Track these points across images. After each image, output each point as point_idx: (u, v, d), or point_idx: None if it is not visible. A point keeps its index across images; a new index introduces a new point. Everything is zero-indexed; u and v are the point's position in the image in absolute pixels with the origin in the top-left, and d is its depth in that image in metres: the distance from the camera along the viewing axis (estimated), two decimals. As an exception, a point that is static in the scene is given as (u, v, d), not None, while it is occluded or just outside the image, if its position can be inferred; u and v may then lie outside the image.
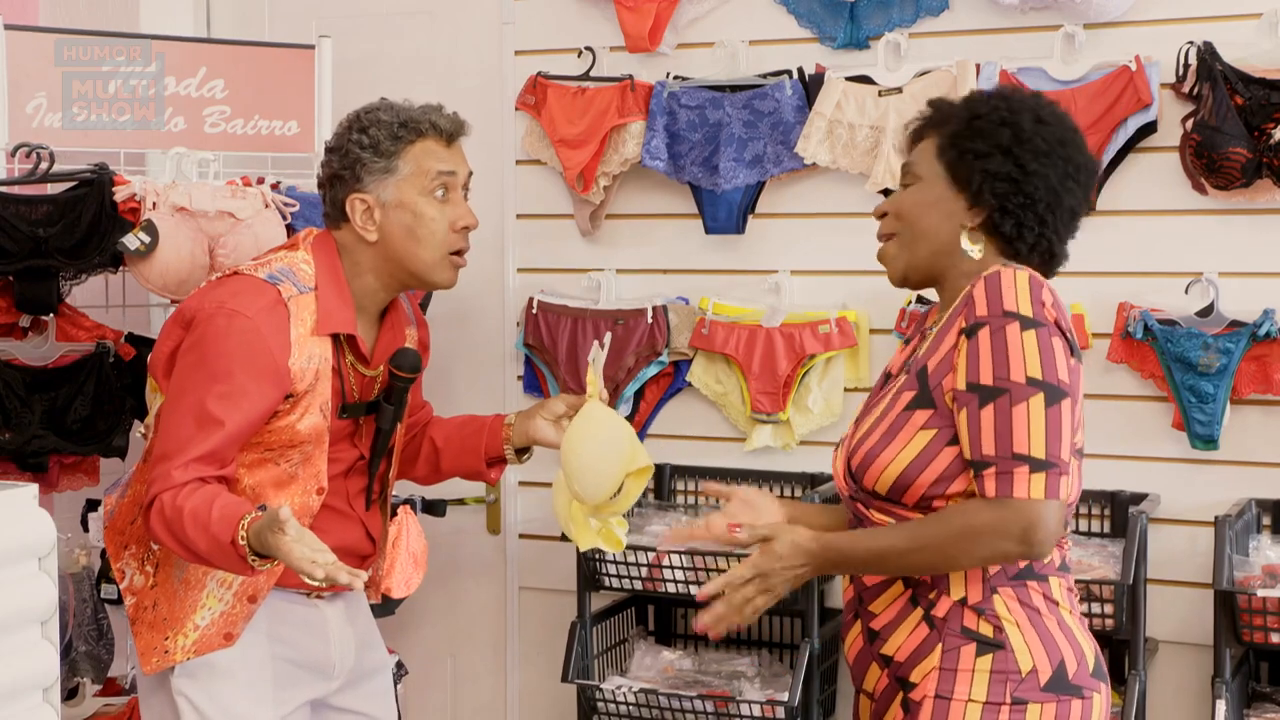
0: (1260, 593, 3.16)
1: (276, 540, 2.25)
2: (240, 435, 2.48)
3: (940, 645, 2.15)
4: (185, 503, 2.40)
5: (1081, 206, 2.27)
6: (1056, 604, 2.18)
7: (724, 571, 3.47)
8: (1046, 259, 2.26)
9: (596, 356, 2.66)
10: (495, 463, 2.88)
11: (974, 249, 2.24)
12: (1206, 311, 3.42)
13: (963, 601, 2.17)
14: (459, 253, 2.66)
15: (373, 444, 2.71)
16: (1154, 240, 3.51)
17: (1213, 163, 3.32)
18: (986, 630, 2.15)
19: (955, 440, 2.13)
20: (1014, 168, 2.20)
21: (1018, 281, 2.13)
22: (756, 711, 3.47)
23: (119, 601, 3.29)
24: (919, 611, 2.19)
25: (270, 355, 2.48)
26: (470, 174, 2.71)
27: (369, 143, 2.58)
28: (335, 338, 2.59)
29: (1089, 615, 3.23)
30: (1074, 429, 2.16)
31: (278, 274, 2.55)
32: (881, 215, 2.35)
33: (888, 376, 2.35)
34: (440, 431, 2.94)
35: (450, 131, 2.65)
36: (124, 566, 2.65)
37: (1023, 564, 2.18)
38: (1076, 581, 3.22)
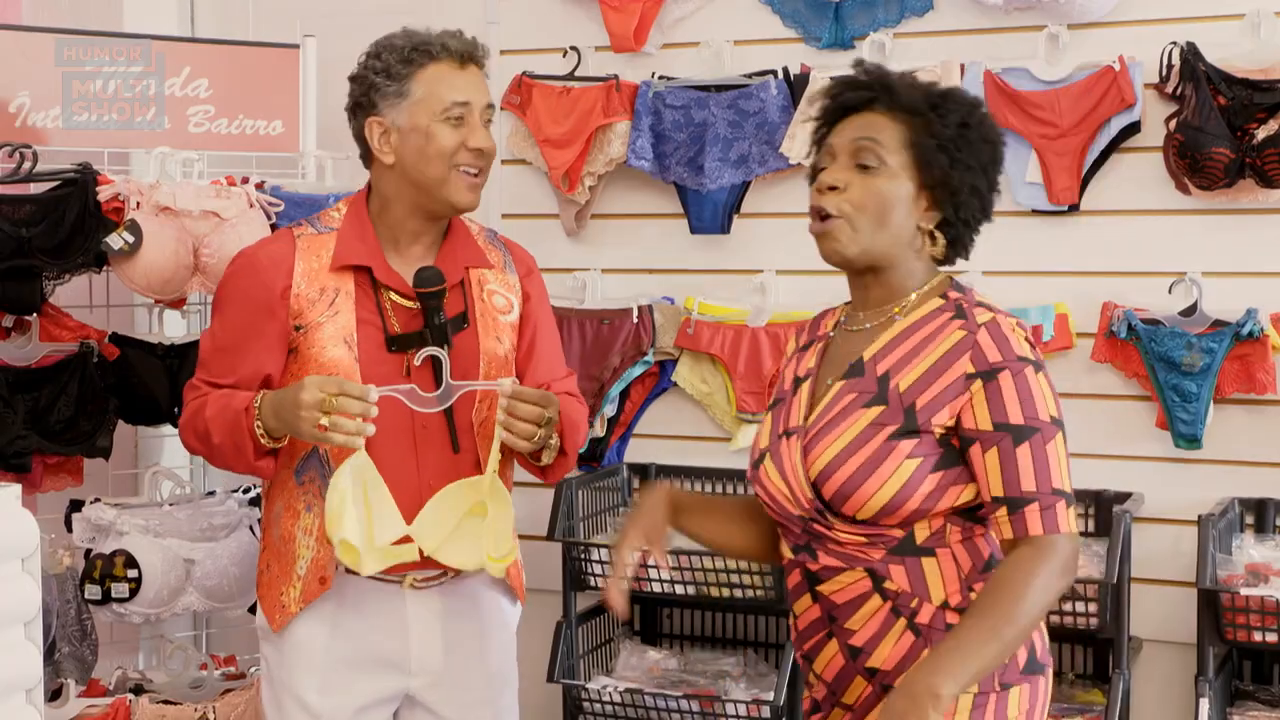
0: (1243, 591, 3.17)
1: (293, 391, 2.44)
2: (243, 350, 2.62)
3: (927, 650, 2.15)
4: (207, 398, 2.61)
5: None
6: None
7: (709, 571, 3.51)
8: (954, 259, 2.30)
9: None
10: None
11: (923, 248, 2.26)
12: (1190, 311, 3.43)
13: (945, 605, 2.18)
14: (473, 174, 2.63)
15: (435, 380, 2.63)
16: (1137, 240, 3.52)
17: (1196, 163, 3.33)
18: None
19: (940, 466, 2.16)
20: (986, 185, 2.25)
21: (1016, 329, 2.19)
22: (742, 711, 3.47)
23: (102, 602, 3.29)
24: (902, 621, 2.19)
25: (263, 286, 2.62)
26: (490, 105, 2.68)
27: (381, 67, 2.62)
28: (366, 276, 2.63)
29: (1073, 614, 3.25)
30: None
31: (303, 220, 2.73)
32: (829, 188, 2.21)
33: (798, 381, 2.30)
34: None
35: (463, 53, 2.64)
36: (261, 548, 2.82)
37: (988, 555, 2.20)
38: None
